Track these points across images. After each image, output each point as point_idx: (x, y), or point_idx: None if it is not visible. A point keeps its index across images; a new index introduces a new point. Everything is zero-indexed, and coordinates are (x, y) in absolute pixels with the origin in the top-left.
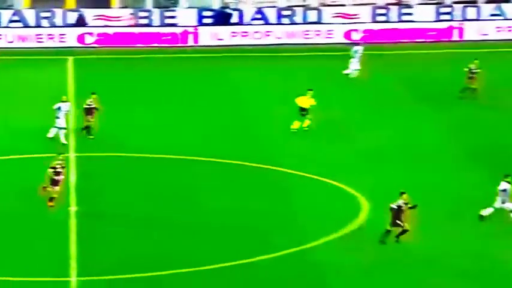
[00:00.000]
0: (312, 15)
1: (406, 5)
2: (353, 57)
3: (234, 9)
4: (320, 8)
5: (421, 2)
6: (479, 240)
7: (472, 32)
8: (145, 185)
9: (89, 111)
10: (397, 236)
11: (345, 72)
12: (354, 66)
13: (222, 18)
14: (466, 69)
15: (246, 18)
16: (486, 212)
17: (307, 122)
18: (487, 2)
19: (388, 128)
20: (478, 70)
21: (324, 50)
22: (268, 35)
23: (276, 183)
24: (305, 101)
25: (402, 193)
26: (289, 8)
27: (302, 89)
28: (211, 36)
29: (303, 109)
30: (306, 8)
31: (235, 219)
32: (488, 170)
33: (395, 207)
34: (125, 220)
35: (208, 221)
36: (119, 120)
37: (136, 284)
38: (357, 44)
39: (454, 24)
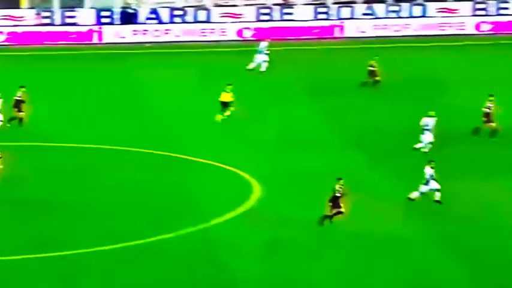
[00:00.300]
0: (202, 15)
1: (289, 5)
2: (259, 53)
3: (134, 9)
4: (209, 8)
5: (305, 3)
6: (362, 219)
7: (351, 29)
8: (57, 172)
9: (17, 103)
10: (332, 216)
11: (249, 67)
12: (259, 60)
13: (123, 17)
14: (369, 68)
15: (141, 17)
16: (415, 194)
17: (224, 115)
18: (364, 2)
19: (279, 118)
20: (376, 68)
21: (218, 46)
22: (167, 33)
23: (178, 169)
24: (225, 95)
25: (339, 179)
26: (181, 8)
27: (202, 82)
28: (114, 34)
29: (224, 103)
30: (197, 8)
31: (140, 202)
32: (369, 153)
33: (338, 194)
34: (37, 204)
35: (116, 204)
36: (32, 113)
37: (47, 262)
38: (263, 40)
39: (336, 22)
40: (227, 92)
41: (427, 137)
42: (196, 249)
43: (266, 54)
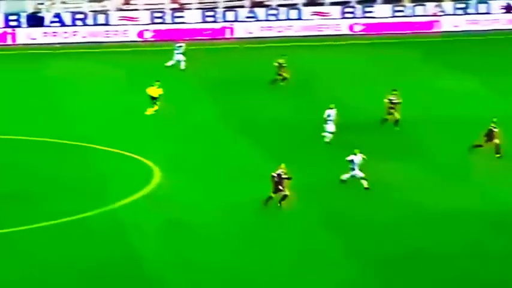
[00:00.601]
0: (101, 18)
1: (181, 9)
2: (177, 52)
3: (39, 13)
4: (108, 12)
5: (196, 7)
6: (259, 204)
7: (240, 31)
8: None
9: None
10: (280, 201)
11: (168, 64)
12: (178, 59)
13: (31, 21)
14: (277, 64)
15: (46, 21)
16: (366, 183)
17: (153, 109)
18: (252, 7)
19: (185, 113)
20: (285, 64)
21: (122, 46)
22: (75, 35)
23: (91, 157)
24: (154, 90)
25: (281, 164)
26: (82, 12)
27: (116, 79)
28: (26, 36)
29: (153, 98)
30: (97, 12)
31: (56, 186)
32: (266, 145)
33: (276, 175)
34: None
35: (33, 189)
36: None
37: None
38: (180, 42)
39: (226, 24)
40: (155, 87)
41: (330, 127)
42: (103, 228)
43: (179, 54)
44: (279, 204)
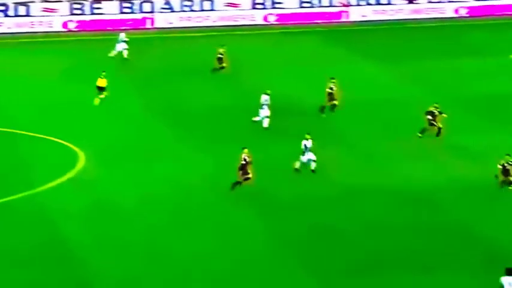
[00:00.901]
0: (22, 10)
1: (99, 1)
2: (118, 42)
3: None
4: (29, 4)
5: None
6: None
7: (160, 21)
8: None
9: None
10: (238, 183)
11: (111, 55)
12: (120, 49)
13: None
14: (218, 55)
15: None
16: (298, 164)
17: (97, 100)
18: None
19: (108, 101)
20: (224, 55)
21: (48, 36)
22: (1, 26)
23: (12, 141)
24: (101, 81)
25: (243, 148)
26: (3, 4)
27: (37, 65)
28: None
29: (100, 88)
30: (17, 3)
31: None
32: (183, 128)
33: (244, 162)
34: None
35: None
36: None
37: None
38: (121, 31)
39: (147, 15)
40: (102, 78)
41: (265, 112)
42: (29, 211)
43: (125, 42)
44: (239, 185)
